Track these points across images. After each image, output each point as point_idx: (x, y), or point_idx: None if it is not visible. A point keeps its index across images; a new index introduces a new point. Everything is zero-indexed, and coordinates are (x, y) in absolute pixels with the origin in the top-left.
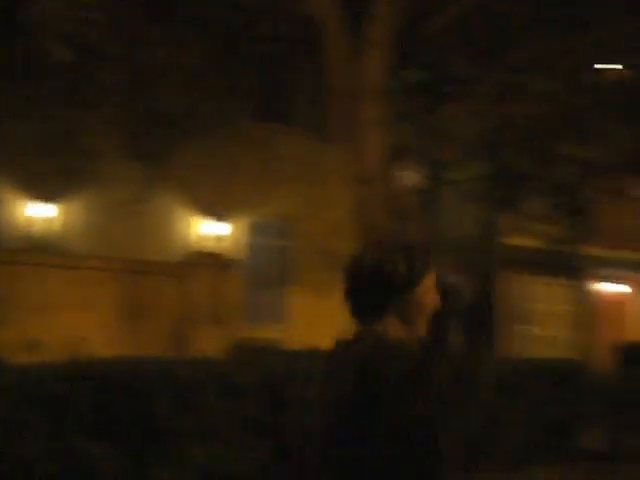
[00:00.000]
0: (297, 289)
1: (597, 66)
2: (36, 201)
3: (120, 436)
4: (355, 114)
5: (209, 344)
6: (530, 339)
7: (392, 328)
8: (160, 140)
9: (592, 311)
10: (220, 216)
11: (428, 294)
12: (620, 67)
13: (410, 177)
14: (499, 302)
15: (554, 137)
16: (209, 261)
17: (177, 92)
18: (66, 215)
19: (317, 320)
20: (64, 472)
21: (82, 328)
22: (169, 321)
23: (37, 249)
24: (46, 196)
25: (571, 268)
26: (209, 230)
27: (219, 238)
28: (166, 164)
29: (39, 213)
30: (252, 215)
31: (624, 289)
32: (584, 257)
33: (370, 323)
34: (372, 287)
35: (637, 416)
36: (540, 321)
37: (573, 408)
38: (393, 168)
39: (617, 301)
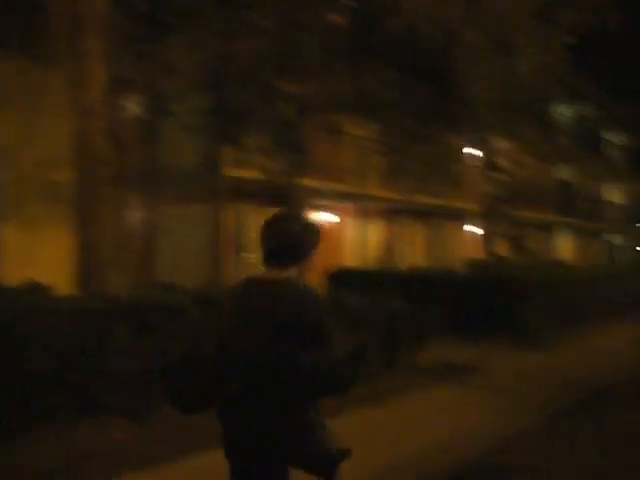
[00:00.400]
0: (10, 222)
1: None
2: None
3: None
4: (77, 41)
5: None
6: (250, 266)
7: (292, 274)
8: None
9: None
10: None
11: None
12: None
13: (132, 108)
14: (223, 232)
15: (275, 74)
16: None
17: None
18: None
19: (32, 254)
20: None
21: None
22: None
23: None
24: None
25: (288, 199)
26: None
27: None
28: None
29: None
30: None
31: (335, 218)
32: (300, 188)
33: (278, 269)
34: (284, 250)
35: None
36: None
37: None
38: (114, 98)
39: (329, 229)
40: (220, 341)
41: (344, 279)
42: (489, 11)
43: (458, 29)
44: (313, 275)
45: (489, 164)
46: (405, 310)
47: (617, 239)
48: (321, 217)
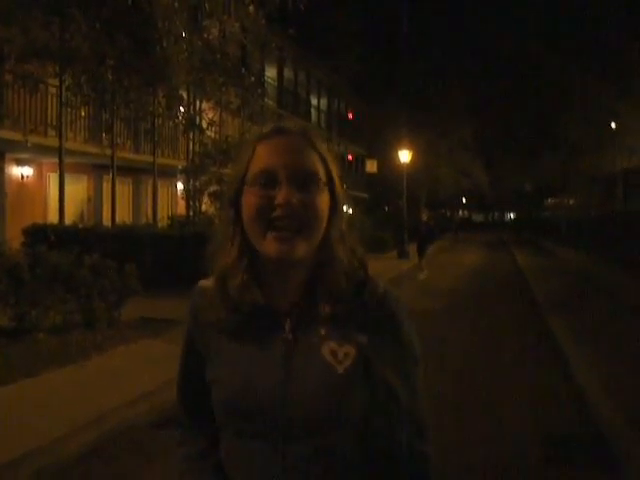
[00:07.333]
0: None
1: None
2: None
3: None
4: None
5: None
6: None
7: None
8: None
9: (5, 194)
10: None
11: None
12: None
13: None
14: None
15: None
16: None
17: None
18: None
19: None
20: None
21: None
22: None
23: None
24: None
25: None
26: None
27: None
28: None
29: None
30: None
31: (34, 172)
32: None
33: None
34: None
35: (43, 292)
36: None
37: None
38: None
39: (29, 184)
40: None
41: (44, 236)
42: None
43: None
44: (12, 231)
45: (191, 122)
46: (106, 267)
47: None
48: (20, 172)
